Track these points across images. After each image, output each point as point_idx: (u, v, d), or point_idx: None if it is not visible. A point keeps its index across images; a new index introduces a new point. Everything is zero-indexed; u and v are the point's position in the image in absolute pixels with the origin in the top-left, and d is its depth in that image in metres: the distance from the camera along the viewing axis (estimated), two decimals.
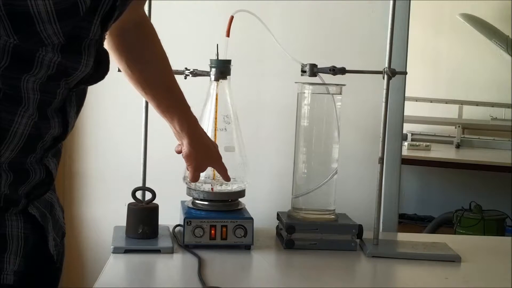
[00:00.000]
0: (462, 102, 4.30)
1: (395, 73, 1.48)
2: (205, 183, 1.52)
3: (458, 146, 3.96)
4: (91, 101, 1.76)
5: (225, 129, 1.52)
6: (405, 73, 1.63)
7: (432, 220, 3.86)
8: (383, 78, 1.48)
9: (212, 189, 1.52)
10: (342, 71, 1.50)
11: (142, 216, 1.45)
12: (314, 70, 1.50)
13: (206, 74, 1.52)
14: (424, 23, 4.30)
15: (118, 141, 1.82)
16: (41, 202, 0.94)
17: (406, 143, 3.71)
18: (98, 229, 1.84)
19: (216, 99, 1.52)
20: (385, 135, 1.50)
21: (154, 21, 1.33)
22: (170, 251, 1.41)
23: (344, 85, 1.52)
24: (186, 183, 1.51)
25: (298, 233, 1.49)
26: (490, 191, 3.99)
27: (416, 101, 4.05)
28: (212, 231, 1.44)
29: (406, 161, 3.16)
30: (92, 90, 0.97)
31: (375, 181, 1.51)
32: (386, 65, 1.48)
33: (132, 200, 1.47)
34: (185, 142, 1.34)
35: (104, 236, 1.74)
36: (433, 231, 3.64)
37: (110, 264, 1.34)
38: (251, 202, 1.55)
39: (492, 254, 1.56)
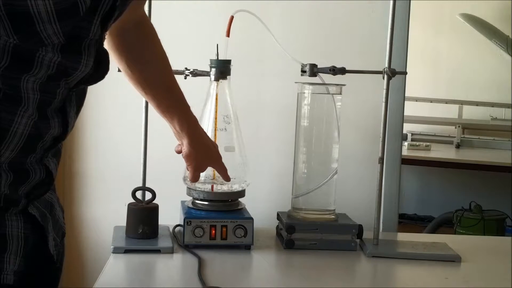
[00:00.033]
0: (462, 102, 4.30)
1: (395, 73, 1.48)
2: (205, 183, 1.52)
3: (458, 146, 3.97)
4: (91, 101, 1.76)
5: (225, 129, 1.52)
6: (405, 73, 1.63)
7: (432, 220, 3.86)
8: (383, 78, 1.48)
9: (212, 189, 1.52)
10: (342, 71, 1.50)
11: (142, 216, 1.45)
12: (314, 70, 1.50)
13: (206, 74, 1.52)
14: (424, 23, 4.30)
15: (118, 141, 1.82)
16: (41, 202, 0.94)
17: (406, 143, 3.71)
18: (98, 229, 1.84)
19: (216, 99, 1.52)
20: (385, 135, 1.50)
21: (154, 21, 1.33)
22: (170, 251, 1.41)
23: (344, 85, 1.52)
24: (186, 183, 1.51)
25: (298, 233, 1.49)
26: (490, 191, 3.99)
27: (416, 101, 4.05)
28: (212, 231, 1.44)
29: (406, 161, 3.16)
30: (92, 90, 0.97)
31: (375, 181, 1.51)
32: (386, 65, 1.48)
33: (132, 200, 1.47)
34: (185, 142, 1.34)
35: (104, 236, 1.74)
36: (433, 231, 3.64)
37: (110, 264, 1.34)
38: (251, 202, 1.55)
39: (492, 254, 1.56)
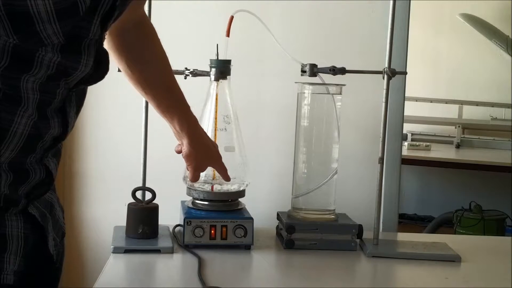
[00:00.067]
0: (462, 102, 4.30)
1: (395, 73, 1.48)
2: (205, 183, 1.52)
3: (458, 146, 3.96)
4: (91, 101, 1.76)
5: (225, 129, 1.52)
6: (405, 73, 1.63)
7: (432, 220, 3.86)
8: (383, 78, 1.48)
9: (212, 189, 1.52)
10: (342, 71, 1.50)
11: (142, 216, 1.45)
12: (314, 70, 1.50)
13: (206, 74, 1.52)
14: (424, 23, 4.30)
15: (118, 141, 1.82)
16: (41, 202, 0.94)
17: (406, 143, 3.71)
18: (98, 229, 1.84)
19: (216, 99, 1.52)
20: (385, 135, 1.50)
21: (154, 21, 1.33)
22: (170, 251, 1.41)
23: (344, 85, 1.52)
24: (186, 183, 1.51)
25: (298, 233, 1.49)
26: (490, 191, 3.99)
27: (416, 101, 4.05)
28: (212, 231, 1.44)
29: (406, 161, 3.16)
30: (92, 90, 0.97)
31: (375, 181, 1.51)
32: (386, 65, 1.48)
33: (132, 200, 1.47)
34: (185, 142, 1.34)
35: (104, 236, 1.74)
36: (433, 231, 3.64)
37: (110, 264, 1.34)
38: (251, 202, 1.55)
39: (492, 254, 1.56)
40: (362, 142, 1.81)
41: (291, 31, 1.78)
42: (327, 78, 1.51)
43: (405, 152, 3.51)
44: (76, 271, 1.86)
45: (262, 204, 1.71)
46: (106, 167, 1.83)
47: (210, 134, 1.48)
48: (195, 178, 1.39)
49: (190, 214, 1.47)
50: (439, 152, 3.80)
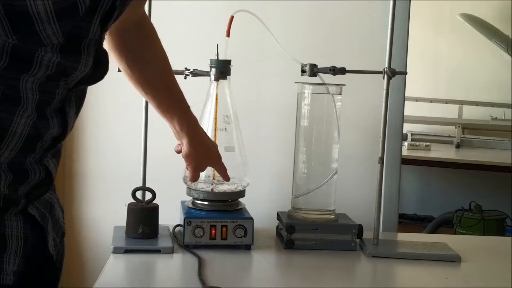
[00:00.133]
0: (462, 102, 4.30)
1: (395, 73, 1.48)
2: (205, 183, 1.52)
3: (458, 146, 3.97)
4: (91, 101, 1.76)
5: (225, 129, 1.52)
6: (405, 73, 1.63)
7: (432, 220, 3.86)
8: (383, 78, 1.48)
9: (212, 189, 1.52)
10: (342, 71, 1.50)
11: (142, 216, 1.45)
12: (314, 70, 1.50)
13: (206, 74, 1.52)
14: (424, 23, 4.30)
15: (118, 141, 1.82)
16: (40, 202, 0.93)
17: (406, 143, 3.71)
18: (98, 229, 1.84)
19: (216, 99, 1.52)
20: (385, 135, 1.50)
21: (154, 21, 1.33)
22: (170, 251, 1.41)
23: (344, 85, 1.52)
24: (186, 183, 1.51)
25: (298, 233, 1.48)
26: (490, 191, 3.99)
27: (416, 101, 4.05)
28: (212, 231, 1.44)
29: (406, 161, 3.16)
30: (92, 90, 0.97)
31: (375, 181, 1.51)
32: (386, 65, 1.48)
33: (132, 200, 1.47)
34: (184, 142, 1.34)
35: (104, 236, 1.74)
36: (433, 231, 3.64)
37: (110, 264, 1.34)
38: (251, 202, 1.55)
39: (492, 254, 1.56)
40: (362, 142, 1.81)
41: (291, 31, 1.78)
42: (327, 78, 1.51)
43: (405, 152, 3.51)
44: (76, 271, 1.86)
45: (262, 204, 1.71)
46: (106, 167, 1.83)
47: (210, 134, 1.48)
48: (194, 178, 1.39)
49: (190, 214, 1.47)
50: (439, 152, 3.80)
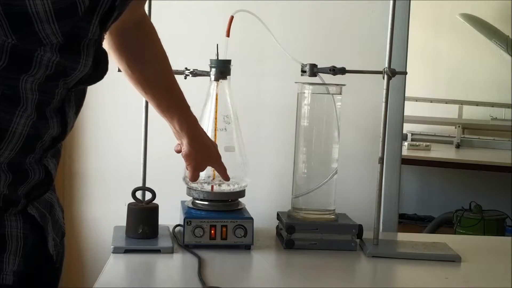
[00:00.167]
0: (462, 102, 4.30)
1: (395, 73, 1.48)
2: (205, 183, 1.52)
3: (458, 146, 3.96)
4: (91, 101, 1.76)
5: (225, 129, 1.52)
6: (405, 73, 1.63)
7: (432, 220, 3.86)
8: (383, 78, 1.48)
9: (212, 189, 1.52)
10: (342, 71, 1.50)
11: (142, 216, 1.45)
12: (314, 70, 1.50)
13: (206, 74, 1.52)
14: (424, 23, 4.30)
15: (118, 141, 1.82)
16: (40, 202, 0.93)
17: (406, 143, 3.71)
18: (98, 229, 1.84)
19: (216, 99, 1.52)
20: (385, 135, 1.50)
21: (154, 21, 1.33)
22: (170, 251, 1.41)
23: (344, 85, 1.52)
24: (186, 183, 1.51)
25: (298, 233, 1.48)
26: (490, 191, 3.99)
27: (416, 101, 4.05)
28: (212, 231, 1.44)
29: (406, 161, 3.16)
30: (92, 90, 0.97)
31: (375, 181, 1.51)
32: (386, 65, 1.48)
33: (132, 200, 1.47)
34: (184, 141, 1.34)
35: (104, 236, 1.74)
36: (433, 231, 3.64)
37: (110, 264, 1.34)
38: (251, 202, 1.55)
39: (492, 254, 1.56)
40: (362, 142, 1.81)
41: (291, 31, 1.78)
42: (327, 78, 1.51)
43: (405, 152, 3.51)
44: (76, 271, 1.86)
45: (262, 204, 1.71)
46: (106, 167, 1.83)
47: (210, 134, 1.48)
48: (194, 177, 1.39)
49: (190, 214, 1.47)
50: (439, 152, 3.80)
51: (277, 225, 1.60)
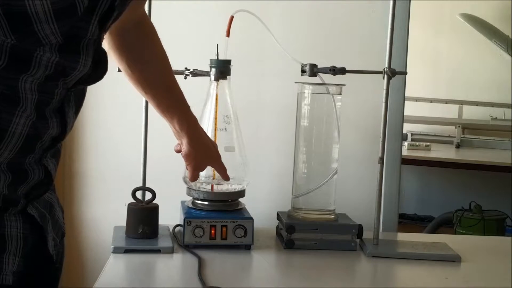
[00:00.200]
0: (462, 102, 4.30)
1: (395, 73, 1.48)
2: (205, 183, 1.52)
3: (458, 146, 3.97)
4: (91, 101, 1.76)
5: (225, 129, 1.52)
6: (405, 73, 1.63)
7: (432, 220, 3.86)
8: (383, 78, 1.48)
9: (212, 189, 1.52)
10: (342, 71, 1.50)
11: (142, 216, 1.45)
12: (314, 70, 1.50)
13: (206, 74, 1.52)
14: (424, 23, 4.30)
15: (118, 141, 1.82)
16: (40, 202, 0.93)
17: (406, 143, 3.71)
18: (98, 229, 1.84)
19: (216, 99, 1.52)
20: (385, 135, 1.50)
21: (154, 21, 1.33)
22: (170, 251, 1.41)
23: (344, 85, 1.52)
24: (186, 182, 1.51)
25: (298, 233, 1.48)
26: (490, 191, 3.99)
27: (416, 101, 4.05)
28: (212, 231, 1.44)
29: (406, 161, 3.16)
30: (92, 90, 0.97)
31: (375, 181, 1.51)
32: (386, 65, 1.48)
33: (132, 200, 1.47)
34: (184, 141, 1.34)
35: (104, 236, 1.74)
36: (433, 231, 3.64)
37: (110, 264, 1.34)
38: (251, 202, 1.55)
39: (492, 254, 1.56)
40: (362, 142, 1.81)
41: (291, 31, 1.78)
42: (327, 78, 1.51)
43: (405, 152, 3.51)
44: (76, 271, 1.86)
45: (262, 204, 1.71)
46: (106, 167, 1.83)
47: (210, 134, 1.48)
48: (194, 177, 1.39)
49: (190, 214, 1.47)
50: (439, 152, 3.80)
51: (277, 225, 1.60)
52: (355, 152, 1.80)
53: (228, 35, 1.46)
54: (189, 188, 1.51)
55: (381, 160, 1.50)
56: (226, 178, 1.44)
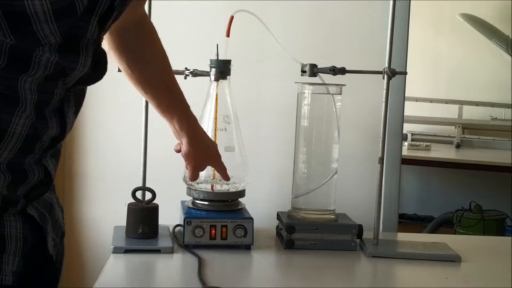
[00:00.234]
0: (462, 102, 4.30)
1: (395, 73, 1.48)
2: (205, 183, 1.52)
3: (458, 146, 3.97)
4: (91, 101, 1.77)
5: (225, 129, 1.52)
6: (405, 73, 1.63)
7: (432, 220, 3.86)
8: (383, 78, 1.48)
9: (212, 189, 1.52)
10: (342, 71, 1.50)
11: (142, 216, 1.45)
12: (314, 70, 1.50)
13: (206, 74, 1.52)
14: (424, 23, 4.30)
15: (118, 141, 1.82)
16: (40, 202, 0.93)
17: (406, 143, 3.71)
18: (98, 229, 1.84)
19: (216, 99, 1.52)
20: (385, 135, 1.50)
21: (154, 21, 1.33)
22: (170, 251, 1.41)
23: (344, 85, 1.52)
24: (186, 182, 1.51)
25: (298, 233, 1.48)
26: (490, 191, 3.99)
27: (416, 101, 4.05)
28: (212, 231, 1.44)
29: (406, 161, 3.16)
30: (92, 90, 0.97)
31: (375, 181, 1.51)
32: (386, 65, 1.48)
33: (132, 200, 1.47)
34: (184, 141, 1.34)
35: (104, 236, 1.74)
36: (433, 231, 3.64)
37: (110, 264, 1.34)
38: (251, 202, 1.55)
39: (492, 254, 1.56)
40: (362, 142, 1.81)
41: (291, 31, 1.78)
42: (327, 78, 1.51)
43: (405, 152, 3.51)
44: (76, 271, 1.86)
45: (262, 204, 1.71)
46: (106, 167, 1.83)
47: (210, 134, 1.48)
48: (194, 177, 1.39)
49: (190, 214, 1.47)
50: (439, 152, 3.80)
51: (277, 225, 1.60)
52: (355, 152, 1.80)
53: (228, 35, 1.46)
54: (189, 188, 1.51)
55: (381, 160, 1.50)
56: (226, 178, 1.44)
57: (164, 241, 1.45)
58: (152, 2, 1.46)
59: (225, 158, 1.43)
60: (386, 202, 1.80)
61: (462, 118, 4.27)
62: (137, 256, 1.38)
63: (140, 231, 1.44)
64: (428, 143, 3.86)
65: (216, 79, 1.51)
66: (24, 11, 0.74)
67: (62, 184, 1.83)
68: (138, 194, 1.48)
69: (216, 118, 1.51)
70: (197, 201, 1.51)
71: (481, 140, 4.05)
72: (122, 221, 1.48)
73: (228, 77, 1.52)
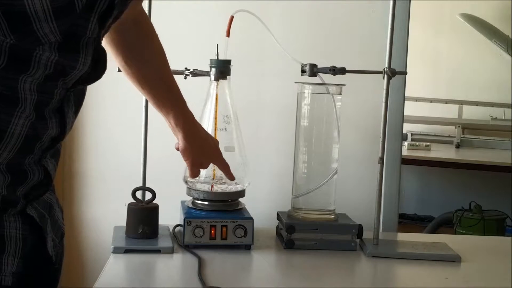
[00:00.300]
0: (462, 102, 4.30)
1: (395, 73, 1.48)
2: (205, 182, 1.52)
3: (458, 146, 3.97)
4: (91, 101, 1.76)
5: (225, 129, 1.52)
6: (405, 73, 1.63)
7: (432, 220, 3.86)
8: (383, 78, 1.48)
9: (212, 189, 1.52)
10: (342, 71, 1.50)
11: (142, 216, 1.45)
12: (314, 70, 1.50)
13: (206, 74, 1.52)
14: (424, 23, 4.30)
15: (118, 141, 1.82)
16: (40, 203, 0.93)
17: (406, 143, 3.71)
18: (98, 229, 1.84)
19: (216, 99, 1.52)
20: (385, 135, 1.50)
21: (154, 21, 1.33)
22: (170, 251, 1.41)
23: (344, 85, 1.52)
24: (186, 182, 1.51)
25: (298, 233, 1.48)
26: (490, 191, 3.99)
27: (416, 101, 4.05)
28: (212, 231, 1.44)
29: (406, 161, 3.16)
30: (92, 90, 0.97)
31: (375, 181, 1.51)
32: (386, 65, 1.48)
33: (132, 200, 1.47)
34: (180, 137, 1.34)
35: (104, 236, 1.74)
36: (433, 231, 3.64)
37: (110, 264, 1.34)
38: (251, 202, 1.55)
39: (492, 254, 1.56)
40: (362, 142, 1.81)
41: (291, 31, 1.78)
42: (327, 78, 1.51)
43: (405, 152, 3.51)
44: (76, 271, 1.86)
45: (262, 204, 1.71)
46: (106, 167, 1.83)
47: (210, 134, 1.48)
48: (194, 173, 1.38)
49: (190, 214, 1.47)
50: (439, 152, 3.80)
51: (277, 225, 1.60)
52: (355, 152, 1.80)
53: (228, 35, 1.46)
54: (189, 188, 1.51)
55: (381, 160, 1.49)
56: (231, 177, 1.43)
57: (164, 241, 1.45)
58: (152, 2, 1.46)
59: (225, 158, 1.43)
60: (386, 202, 1.80)
61: (462, 118, 4.28)
62: (137, 256, 1.38)
63: (140, 231, 1.44)
64: (428, 143, 3.86)
65: (216, 79, 1.51)
66: (24, 10, 0.74)
67: (62, 184, 1.82)
68: (138, 194, 1.48)
69: (216, 118, 1.51)
70: (197, 201, 1.51)
71: (481, 140, 4.05)
72: (122, 221, 1.48)
73: (228, 77, 1.52)
